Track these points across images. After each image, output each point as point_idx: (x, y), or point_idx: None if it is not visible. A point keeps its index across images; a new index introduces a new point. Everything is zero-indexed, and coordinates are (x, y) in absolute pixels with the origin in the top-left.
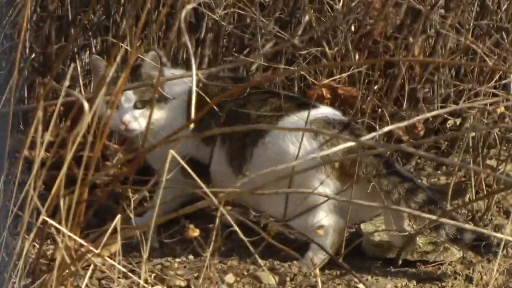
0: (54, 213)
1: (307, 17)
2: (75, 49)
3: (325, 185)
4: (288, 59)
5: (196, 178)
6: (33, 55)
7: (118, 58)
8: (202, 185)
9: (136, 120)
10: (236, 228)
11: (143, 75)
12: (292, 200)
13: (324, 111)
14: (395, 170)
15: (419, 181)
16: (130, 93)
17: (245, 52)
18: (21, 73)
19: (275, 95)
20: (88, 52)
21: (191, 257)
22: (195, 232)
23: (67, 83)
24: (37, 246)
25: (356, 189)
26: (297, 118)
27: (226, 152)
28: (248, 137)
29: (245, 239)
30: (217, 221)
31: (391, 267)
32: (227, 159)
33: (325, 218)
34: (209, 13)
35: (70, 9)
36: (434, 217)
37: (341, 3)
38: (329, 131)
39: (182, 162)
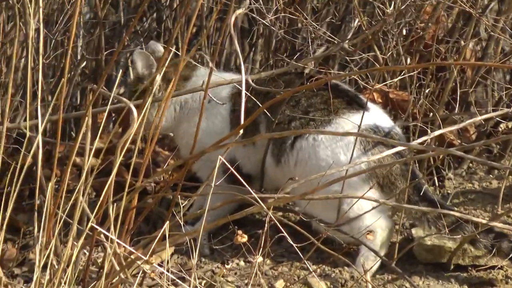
0: (104, 219)
1: (357, 21)
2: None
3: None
4: (340, 64)
5: (245, 184)
6: (84, 62)
7: (167, 63)
8: (251, 191)
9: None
10: (285, 234)
11: (134, 75)
12: (335, 205)
13: (374, 116)
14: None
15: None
16: None
17: (296, 56)
18: (71, 80)
19: (325, 88)
20: None
21: (241, 263)
22: (243, 238)
23: (115, 89)
24: (87, 253)
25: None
26: (348, 122)
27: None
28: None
29: (295, 245)
30: (266, 227)
31: (443, 271)
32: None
33: (373, 221)
34: (260, 19)
35: (122, 15)
36: (483, 221)
37: (392, 7)
38: (378, 149)
39: (232, 169)
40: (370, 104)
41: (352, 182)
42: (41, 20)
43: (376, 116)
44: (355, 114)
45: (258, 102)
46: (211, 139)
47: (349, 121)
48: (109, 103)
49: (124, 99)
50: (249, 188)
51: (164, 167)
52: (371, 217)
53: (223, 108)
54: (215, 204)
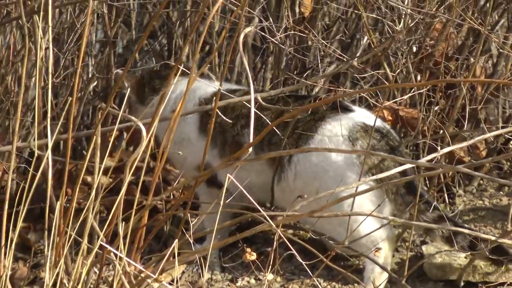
0: (114, 238)
1: (366, 39)
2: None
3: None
4: (351, 81)
5: (254, 202)
6: (95, 81)
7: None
8: (260, 208)
9: None
10: (294, 251)
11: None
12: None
13: (360, 115)
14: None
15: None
16: None
17: (306, 74)
18: (82, 99)
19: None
20: None
21: (252, 281)
22: (252, 256)
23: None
24: (97, 271)
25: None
26: (336, 124)
27: (256, 152)
28: (289, 143)
29: (304, 262)
30: (275, 244)
31: None
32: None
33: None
34: (269, 37)
35: (134, 34)
36: (493, 238)
37: (401, 25)
38: (366, 139)
39: (241, 188)
40: (355, 107)
41: (343, 176)
42: (50, 39)
43: (363, 115)
44: (341, 116)
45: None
46: (181, 145)
47: (337, 124)
48: (117, 121)
49: (133, 118)
50: (258, 206)
51: (174, 185)
52: (372, 228)
53: (192, 115)
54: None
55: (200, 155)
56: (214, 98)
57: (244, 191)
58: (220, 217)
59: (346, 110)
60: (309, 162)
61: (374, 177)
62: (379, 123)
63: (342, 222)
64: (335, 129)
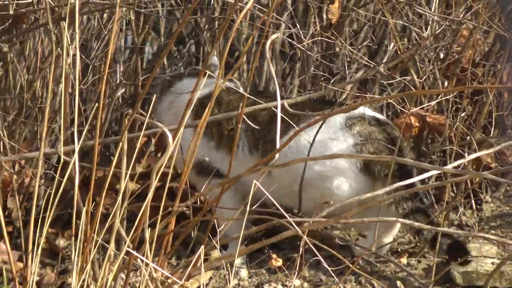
0: (141, 244)
1: (392, 45)
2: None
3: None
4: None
5: (281, 209)
6: (123, 88)
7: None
8: (286, 214)
9: None
10: (320, 258)
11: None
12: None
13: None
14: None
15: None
16: None
17: (333, 80)
18: (109, 106)
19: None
20: None
21: (279, 287)
22: (278, 262)
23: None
24: (124, 277)
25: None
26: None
27: (250, 149)
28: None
29: (331, 268)
30: (301, 250)
31: None
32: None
33: None
34: (295, 43)
35: (162, 40)
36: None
37: (428, 31)
38: (364, 125)
39: (267, 194)
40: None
41: (338, 167)
42: (77, 46)
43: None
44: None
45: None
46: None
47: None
48: (144, 128)
49: (159, 124)
50: (284, 212)
51: (201, 190)
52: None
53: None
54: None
55: (198, 153)
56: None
57: (271, 198)
58: (242, 219)
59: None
60: (296, 143)
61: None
62: (375, 113)
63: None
64: (333, 118)
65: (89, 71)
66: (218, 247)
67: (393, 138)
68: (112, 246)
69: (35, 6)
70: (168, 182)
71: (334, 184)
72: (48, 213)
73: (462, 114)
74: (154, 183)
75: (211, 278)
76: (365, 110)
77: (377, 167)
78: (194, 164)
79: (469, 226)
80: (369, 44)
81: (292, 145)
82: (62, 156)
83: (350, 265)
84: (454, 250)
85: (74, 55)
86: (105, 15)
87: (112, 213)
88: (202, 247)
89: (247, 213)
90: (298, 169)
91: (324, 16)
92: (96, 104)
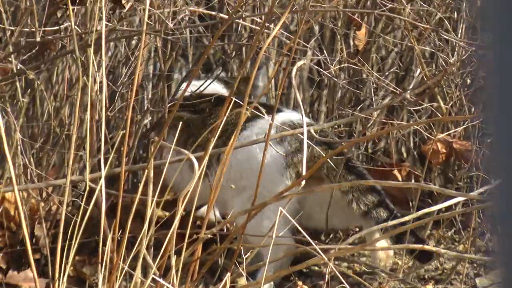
0: (168, 271)
1: (418, 71)
2: None
3: None
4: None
5: (307, 236)
6: (149, 114)
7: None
8: (312, 241)
9: None
10: (347, 286)
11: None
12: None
13: (288, 114)
14: (354, 171)
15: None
16: None
17: (360, 106)
18: (136, 132)
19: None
20: None
21: None
22: None
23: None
24: None
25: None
26: (264, 123)
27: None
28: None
29: None
30: (327, 278)
31: None
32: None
33: None
34: (322, 70)
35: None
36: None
37: (455, 57)
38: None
39: (293, 221)
40: (285, 108)
41: (270, 174)
42: (103, 73)
43: (291, 114)
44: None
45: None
46: None
47: (265, 122)
48: (170, 155)
49: (185, 151)
50: (310, 239)
51: (228, 218)
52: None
53: None
54: (278, 254)
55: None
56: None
57: (296, 225)
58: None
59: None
60: (235, 160)
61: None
62: (309, 120)
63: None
64: (264, 127)
65: (116, 98)
66: (244, 275)
67: (330, 144)
68: (138, 273)
69: (62, 33)
70: (193, 209)
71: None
72: (74, 240)
73: (489, 140)
74: (180, 210)
75: None
76: (291, 115)
77: (323, 170)
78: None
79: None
80: (396, 70)
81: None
82: (88, 183)
83: None
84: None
85: (101, 82)
86: (133, 42)
87: (139, 240)
88: (229, 274)
89: (272, 240)
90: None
91: (351, 43)
92: (123, 131)
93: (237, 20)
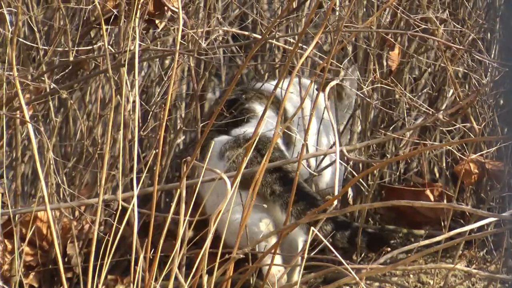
0: None
1: (451, 92)
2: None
3: None
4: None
5: (337, 254)
6: (182, 134)
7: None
8: (343, 261)
9: None
10: None
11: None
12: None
13: (240, 131)
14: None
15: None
16: None
17: (393, 127)
18: (169, 152)
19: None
20: None
21: None
22: None
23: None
24: None
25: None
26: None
27: None
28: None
29: None
30: None
31: None
32: None
33: None
34: (355, 90)
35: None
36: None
37: (488, 78)
38: (234, 150)
39: (325, 242)
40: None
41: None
42: (136, 93)
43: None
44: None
45: None
46: None
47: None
48: (202, 174)
49: (217, 171)
50: (341, 259)
51: (260, 237)
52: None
53: None
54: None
55: None
56: None
57: (328, 244)
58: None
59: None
60: None
61: None
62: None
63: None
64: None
65: (149, 118)
66: None
67: (260, 150)
68: None
69: (96, 53)
70: (225, 228)
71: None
72: (106, 260)
73: None
74: (212, 229)
75: None
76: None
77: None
78: None
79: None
80: (429, 91)
81: None
82: (121, 202)
83: None
84: (374, 244)
85: (134, 101)
86: (166, 61)
87: (170, 259)
88: None
89: (304, 260)
90: None
91: (384, 63)
92: (156, 151)
93: (270, 40)
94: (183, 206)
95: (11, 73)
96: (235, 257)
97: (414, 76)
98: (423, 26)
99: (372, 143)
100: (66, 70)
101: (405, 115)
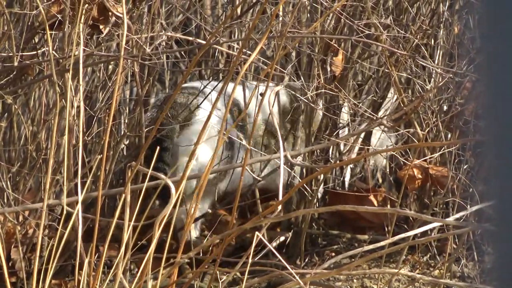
0: None
1: (395, 98)
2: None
3: None
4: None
5: (284, 261)
6: (126, 139)
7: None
8: (287, 266)
9: None
10: None
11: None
12: None
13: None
14: None
15: None
16: None
17: (336, 132)
18: (113, 157)
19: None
20: None
21: None
22: None
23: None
24: None
25: None
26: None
27: None
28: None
29: None
30: None
31: None
32: None
33: None
34: (299, 96)
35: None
36: None
37: (432, 84)
38: None
39: (270, 246)
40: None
41: None
42: (81, 98)
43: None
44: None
45: None
46: None
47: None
48: (147, 179)
49: (162, 176)
50: (285, 263)
51: (204, 242)
52: None
53: None
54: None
55: None
56: None
57: (271, 247)
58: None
59: None
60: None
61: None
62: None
63: None
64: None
65: (93, 123)
66: None
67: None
68: None
69: (40, 58)
70: (170, 233)
71: None
72: (51, 264)
73: (465, 167)
74: (157, 234)
75: None
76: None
77: None
78: None
79: (471, 278)
80: (373, 97)
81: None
82: (65, 207)
83: None
84: None
85: (78, 106)
86: (110, 67)
87: (115, 264)
88: None
89: (248, 264)
90: None
91: (328, 69)
92: (100, 156)
93: (214, 46)
94: (127, 211)
95: None
96: (179, 262)
97: (358, 81)
98: (367, 32)
99: (316, 148)
100: (11, 76)
101: (349, 121)
